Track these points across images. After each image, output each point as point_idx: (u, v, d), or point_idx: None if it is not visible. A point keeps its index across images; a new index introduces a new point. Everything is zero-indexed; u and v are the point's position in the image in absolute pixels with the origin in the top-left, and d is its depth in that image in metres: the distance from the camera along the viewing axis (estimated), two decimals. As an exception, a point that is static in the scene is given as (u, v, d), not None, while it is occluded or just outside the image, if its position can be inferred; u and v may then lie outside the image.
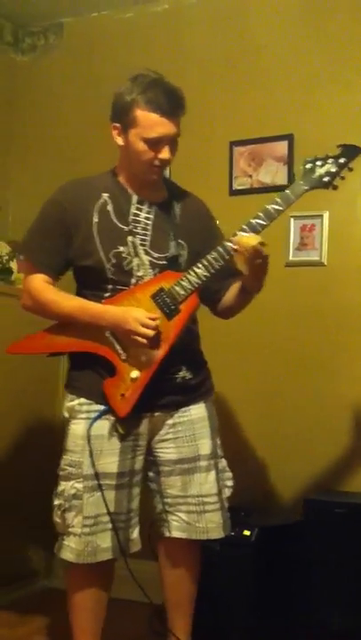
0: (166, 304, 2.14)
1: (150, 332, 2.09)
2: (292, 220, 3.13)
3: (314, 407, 3.08)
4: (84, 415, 2.19)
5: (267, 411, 2.93)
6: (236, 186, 3.29)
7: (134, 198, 2.23)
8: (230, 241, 2.12)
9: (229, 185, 3.28)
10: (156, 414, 2.23)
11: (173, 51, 3.49)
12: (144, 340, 2.09)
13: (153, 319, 2.10)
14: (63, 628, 2.92)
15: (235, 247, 2.10)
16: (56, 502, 2.22)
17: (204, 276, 2.13)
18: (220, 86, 3.30)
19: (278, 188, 3.16)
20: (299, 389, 3.12)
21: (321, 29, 3.19)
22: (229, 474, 2.37)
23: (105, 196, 2.21)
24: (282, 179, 3.20)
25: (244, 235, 2.10)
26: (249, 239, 2.07)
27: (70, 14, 3.73)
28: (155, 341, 2.11)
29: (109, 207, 2.20)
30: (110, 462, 2.16)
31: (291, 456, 3.10)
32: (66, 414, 2.25)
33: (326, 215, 3.08)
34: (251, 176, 3.27)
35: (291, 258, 3.12)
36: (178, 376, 2.23)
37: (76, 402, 2.22)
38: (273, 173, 3.23)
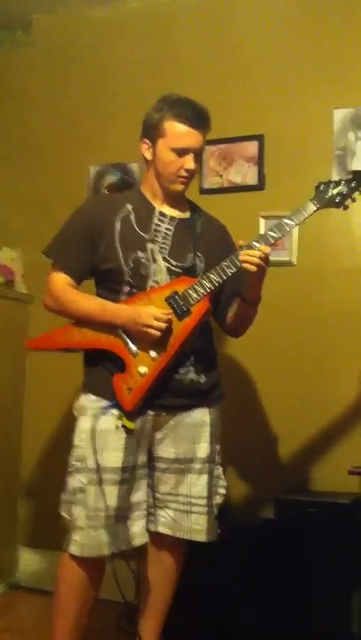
0: (179, 306, 2.23)
1: (162, 325, 2.17)
2: (262, 219, 3.15)
3: (285, 406, 3.11)
4: (90, 411, 2.27)
5: (238, 410, 2.93)
6: (206, 185, 3.30)
7: (157, 211, 2.36)
8: (241, 247, 2.22)
9: (200, 184, 3.28)
10: (162, 414, 2.29)
11: (145, 49, 3.49)
12: (156, 333, 2.17)
13: (165, 314, 2.19)
14: (29, 626, 2.90)
15: (242, 257, 2.19)
16: (63, 498, 2.27)
17: (217, 281, 2.23)
18: (192, 85, 3.28)
19: (249, 188, 3.24)
20: (268, 388, 3.14)
21: (293, 32, 3.22)
22: (224, 482, 2.43)
23: (129, 207, 2.35)
24: (252, 179, 3.23)
25: (255, 244, 2.21)
26: (256, 250, 2.20)
27: (39, 10, 3.70)
28: (165, 339, 2.20)
29: (132, 217, 2.33)
30: (114, 457, 2.22)
31: (262, 455, 3.12)
32: (75, 412, 2.32)
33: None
34: (221, 175, 3.28)
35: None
36: (187, 377, 2.29)
37: (85, 398, 2.30)
38: (243, 173, 3.25)
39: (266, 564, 2.74)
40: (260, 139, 3.22)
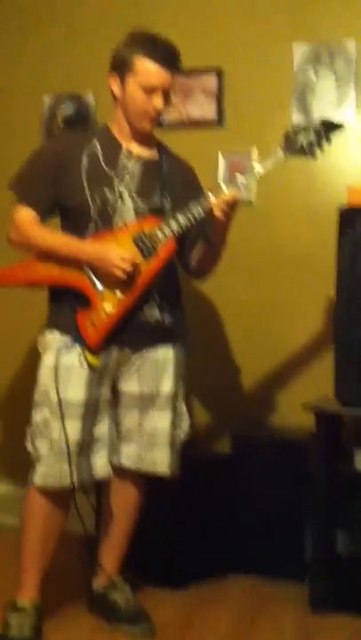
0: (146, 246, 2.23)
1: (128, 266, 2.16)
2: (220, 156, 3.12)
3: (243, 341, 3.15)
4: (54, 347, 2.27)
5: (196, 347, 2.96)
6: (164, 119, 3.22)
7: (124, 148, 2.33)
8: (210, 191, 2.22)
9: (158, 118, 3.21)
10: (125, 350, 2.30)
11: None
12: (122, 273, 2.17)
13: (132, 256, 2.19)
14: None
15: (212, 199, 2.19)
16: (28, 431, 2.30)
17: (185, 224, 2.22)
18: (151, 16, 3.20)
19: (208, 123, 3.19)
20: (227, 325, 3.18)
21: None
22: (187, 418, 2.47)
23: (96, 143, 2.32)
24: (211, 113, 3.18)
25: (225, 188, 2.20)
26: (224, 194, 2.19)
27: None
28: (131, 278, 2.20)
29: (99, 153, 2.30)
30: (77, 391, 2.24)
31: (219, 390, 3.17)
32: (39, 347, 2.33)
33: (255, 152, 3.06)
34: (180, 110, 3.21)
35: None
36: (151, 315, 2.30)
37: (49, 334, 2.31)
38: (202, 108, 3.19)
39: (222, 498, 2.82)
40: (219, 72, 3.17)
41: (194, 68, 3.16)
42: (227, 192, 2.20)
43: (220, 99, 3.17)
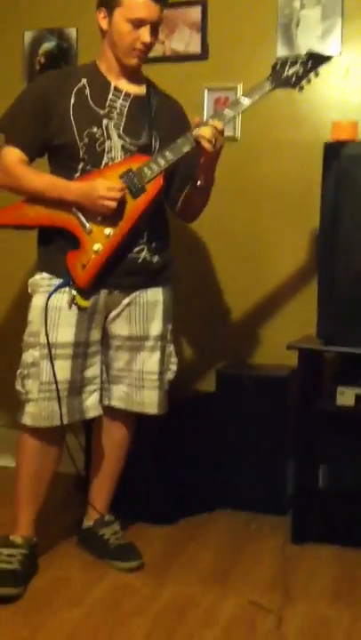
0: (133, 183, 2.21)
1: (116, 195, 2.16)
2: (206, 91, 3.06)
3: (227, 281, 3.15)
4: (44, 288, 2.28)
5: (186, 284, 2.96)
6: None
7: (112, 85, 2.30)
8: (196, 124, 2.20)
9: (141, 52, 3.13)
10: (114, 292, 2.31)
11: None
12: (111, 204, 2.16)
13: (120, 188, 2.18)
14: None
15: (197, 131, 2.18)
16: (18, 372, 2.32)
17: (171, 159, 2.21)
18: None
19: (192, 57, 3.11)
20: (211, 264, 3.17)
21: None
22: (175, 359, 2.49)
23: (84, 80, 2.28)
24: (195, 46, 3.11)
25: (210, 121, 2.19)
26: (211, 123, 2.18)
27: None
28: (119, 216, 2.20)
29: (87, 91, 2.27)
30: (66, 332, 2.26)
31: (204, 330, 3.18)
32: (29, 289, 2.34)
33: (240, 87, 3.00)
34: (163, 43, 3.14)
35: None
36: (140, 256, 2.30)
37: (39, 276, 2.31)
38: (186, 41, 3.12)
39: (207, 436, 2.86)
40: (203, 4, 3.08)
41: (178, 0, 3.08)
42: (211, 122, 2.18)
43: (204, 32, 3.09)
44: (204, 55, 3.11)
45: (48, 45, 3.33)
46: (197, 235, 3.16)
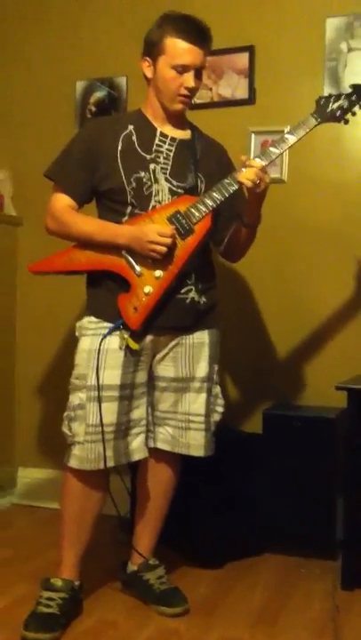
0: (181, 224, 2.23)
1: (167, 241, 2.18)
2: (253, 135, 3.09)
3: (274, 322, 3.13)
4: (90, 332, 2.30)
5: (228, 326, 2.95)
6: (195, 99, 3.19)
7: (158, 131, 2.34)
8: (242, 163, 2.22)
9: (189, 98, 3.20)
10: (162, 334, 2.32)
11: None
12: (162, 249, 2.18)
13: (169, 230, 2.20)
14: (27, 541, 3.00)
15: (240, 175, 2.20)
16: (65, 415, 2.33)
17: (219, 199, 2.23)
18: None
19: (239, 102, 3.16)
20: (258, 304, 3.16)
21: None
22: (221, 400, 2.47)
23: (131, 127, 2.33)
24: (242, 92, 3.15)
25: (257, 160, 2.22)
26: (254, 163, 2.21)
27: None
28: (169, 257, 2.21)
29: (134, 137, 2.32)
30: (113, 375, 2.26)
31: (251, 370, 3.16)
32: (77, 332, 2.35)
33: (287, 130, 3.02)
34: (211, 89, 3.20)
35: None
36: (188, 297, 2.31)
37: (86, 320, 2.34)
38: (233, 86, 3.17)
39: (254, 478, 2.82)
40: (250, 50, 3.13)
41: (225, 48, 3.14)
42: (252, 163, 2.20)
43: (251, 77, 3.13)
44: (251, 100, 3.15)
45: (99, 94, 3.42)
46: (243, 275, 3.16)
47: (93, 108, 3.42)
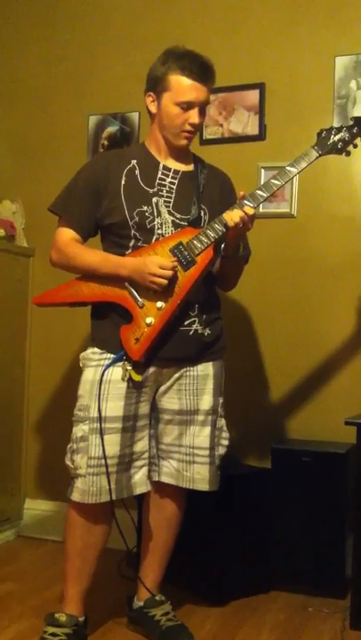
0: (184, 256, 2.25)
1: (168, 273, 2.19)
2: (262, 170, 3.12)
3: (282, 356, 3.13)
4: (94, 363, 2.30)
5: (235, 360, 2.95)
6: (206, 135, 3.26)
7: (161, 165, 2.36)
8: (243, 197, 2.25)
9: (200, 134, 3.24)
10: (165, 367, 2.32)
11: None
12: (163, 281, 2.19)
13: (171, 262, 2.21)
14: (34, 572, 2.97)
15: (227, 214, 2.23)
16: (68, 446, 2.32)
17: (220, 230, 2.24)
18: (193, 33, 3.24)
19: (249, 138, 3.20)
20: (265, 338, 3.16)
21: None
22: (226, 433, 2.46)
23: (134, 162, 2.35)
24: (253, 128, 3.19)
25: (258, 193, 2.26)
26: (246, 209, 2.23)
27: None
28: (171, 289, 2.23)
29: (137, 172, 2.34)
30: (116, 406, 2.26)
31: (259, 405, 3.15)
32: (80, 363, 2.36)
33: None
34: (222, 125, 3.24)
35: (261, 210, 3.12)
36: (191, 329, 2.31)
37: (90, 351, 2.34)
38: (244, 123, 3.21)
39: (262, 513, 2.79)
40: (261, 87, 3.17)
41: (236, 85, 3.19)
42: (242, 208, 2.23)
43: (261, 114, 3.17)
44: (261, 136, 3.18)
45: (111, 129, 3.47)
46: (253, 308, 3.17)
47: (106, 143, 3.46)
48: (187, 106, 2.27)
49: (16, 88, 3.68)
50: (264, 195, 2.26)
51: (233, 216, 2.22)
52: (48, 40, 3.62)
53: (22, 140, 3.65)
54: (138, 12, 3.43)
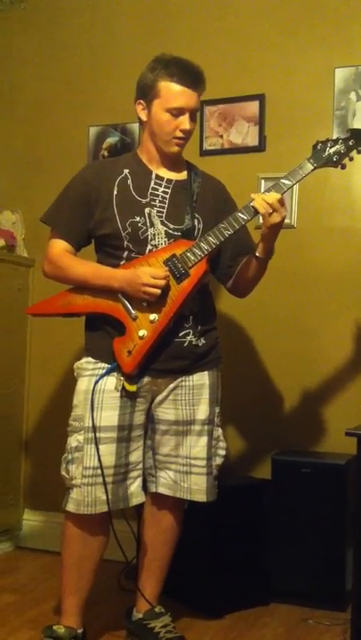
0: (177, 268, 2.24)
1: (160, 283, 2.17)
2: (262, 181, 3.13)
3: (282, 367, 3.12)
4: (88, 373, 2.30)
5: (234, 370, 2.95)
6: (206, 146, 3.27)
7: (153, 174, 2.35)
8: (251, 200, 2.23)
9: (200, 145, 3.25)
10: (160, 377, 2.31)
11: (144, 7, 3.43)
12: (155, 291, 2.18)
13: (163, 272, 2.20)
14: (33, 584, 2.96)
15: (253, 204, 2.22)
16: (63, 456, 2.32)
17: (214, 243, 2.23)
18: (192, 44, 3.26)
19: (249, 149, 3.20)
20: (265, 348, 3.16)
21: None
22: (223, 443, 2.45)
23: (126, 171, 2.35)
24: (253, 139, 3.20)
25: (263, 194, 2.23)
26: (267, 196, 2.22)
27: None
28: (164, 301, 2.22)
29: (129, 182, 2.33)
30: (110, 416, 2.25)
31: (259, 416, 3.14)
32: (75, 373, 2.36)
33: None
34: (222, 136, 3.25)
35: (261, 220, 3.12)
36: (185, 340, 2.30)
37: (84, 360, 2.34)
38: (244, 134, 3.22)
39: (262, 524, 2.78)
40: (261, 98, 3.19)
41: (236, 96, 3.20)
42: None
43: (261, 125, 3.18)
44: (261, 147, 3.19)
45: (111, 140, 3.48)
46: (253, 319, 3.17)
47: (106, 154, 3.47)
48: (177, 112, 2.27)
49: (17, 99, 3.69)
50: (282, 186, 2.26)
51: (259, 202, 2.20)
52: (48, 52, 3.63)
53: (23, 151, 3.67)
54: (138, 24, 3.45)
